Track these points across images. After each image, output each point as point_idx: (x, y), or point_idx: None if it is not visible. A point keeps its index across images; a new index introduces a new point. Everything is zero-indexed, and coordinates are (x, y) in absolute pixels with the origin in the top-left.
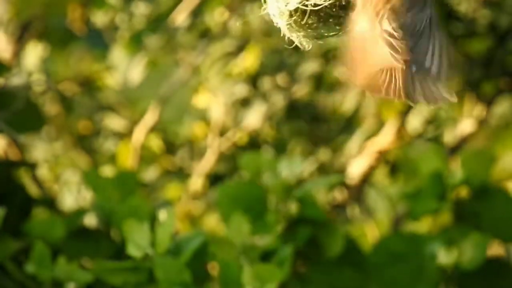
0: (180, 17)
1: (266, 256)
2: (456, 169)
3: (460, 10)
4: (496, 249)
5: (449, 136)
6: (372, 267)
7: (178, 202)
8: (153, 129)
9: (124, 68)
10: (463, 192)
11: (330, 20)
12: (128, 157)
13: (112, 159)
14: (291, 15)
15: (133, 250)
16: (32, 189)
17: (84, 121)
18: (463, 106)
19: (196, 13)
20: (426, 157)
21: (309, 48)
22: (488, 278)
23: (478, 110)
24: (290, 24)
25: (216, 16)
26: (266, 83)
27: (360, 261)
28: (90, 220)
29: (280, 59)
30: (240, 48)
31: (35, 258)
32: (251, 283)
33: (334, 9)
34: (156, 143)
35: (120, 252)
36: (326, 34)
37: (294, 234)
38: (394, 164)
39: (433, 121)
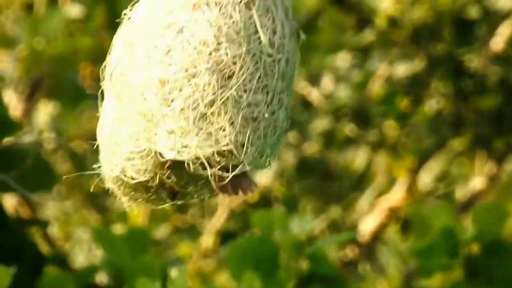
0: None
1: None
2: (468, 226)
3: (471, 67)
4: None
5: (460, 193)
6: None
7: (189, 259)
8: None
9: None
10: (475, 248)
11: (156, 190)
12: (139, 215)
13: (123, 217)
14: (115, 180)
15: None
16: (44, 247)
17: (95, 180)
18: (474, 162)
19: None
20: (437, 214)
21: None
22: None
23: (489, 166)
24: (117, 187)
25: None
26: None
27: None
28: (102, 278)
29: (291, 116)
30: None
31: None
32: None
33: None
34: None
35: None
36: (154, 202)
37: None
38: (405, 221)
39: (444, 178)
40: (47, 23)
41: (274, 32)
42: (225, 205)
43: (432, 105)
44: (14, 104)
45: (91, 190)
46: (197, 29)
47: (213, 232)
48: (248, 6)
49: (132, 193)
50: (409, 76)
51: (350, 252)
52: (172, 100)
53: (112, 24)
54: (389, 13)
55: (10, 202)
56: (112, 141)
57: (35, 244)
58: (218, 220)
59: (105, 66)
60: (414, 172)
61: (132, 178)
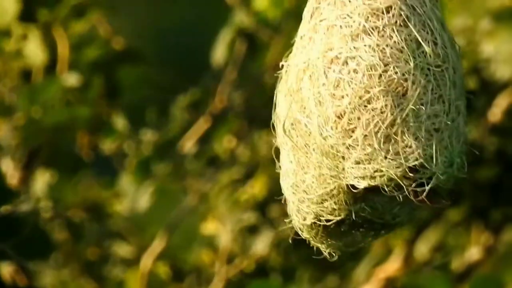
0: (188, 144)
1: None
2: None
3: (467, 137)
4: None
5: (457, 263)
6: None
7: None
8: (161, 256)
9: (132, 195)
10: None
11: (352, 228)
12: (136, 284)
13: (120, 286)
14: (310, 228)
15: None
16: None
17: (92, 248)
18: (471, 233)
19: (204, 140)
20: (434, 284)
21: (335, 258)
22: None
23: (486, 237)
24: (312, 237)
25: (224, 144)
26: (274, 210)
27: None
28: None
29: None
30: (248, 175)
31: None
32: None
33: (358, 219)
34: (164, 270)
35: None
36: (353, 242)
37: None
38: None
39: (441, 249)
40: (44, 92)
41: (435, 43)
42: (221, 274)
43: None
44: (11, 173)
45: (88, 258)
46: (362, 56)
47: None
48: (404, 25)
49: (328, 239)
50: None
51: None
52: (352, 130)
53: (110, 93)
54: None
55: (7, 270)
56: (299, 191)
57: None
58: None
59: (275, 122)
60: (411, 242)
61: (327, 221)
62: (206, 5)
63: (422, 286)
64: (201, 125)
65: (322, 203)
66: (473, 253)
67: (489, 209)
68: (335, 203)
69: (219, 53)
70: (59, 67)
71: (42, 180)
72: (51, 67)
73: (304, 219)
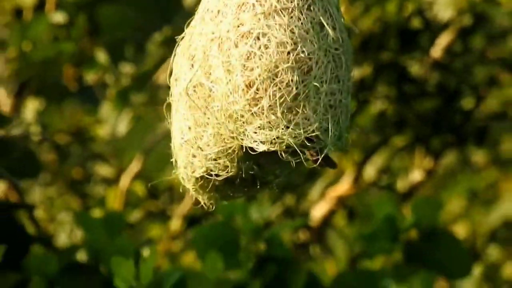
0: (162, 76)
1: None
2: (407, 214)
3: (412, 72)
4: (441, 285)
5: (401, 184)
6: None
7: (159, 240)
8: (138, 176)
9: (113, 121)
10: (413, 234)
11: (236, 183)
12: (115, 201)
13: (102, 202)
14: (197, 180)
15: (120, 284)
16: (30, 228)
17: (76, 168)
18: (414, 158)
19: None
20: (380, 203)
21: (213, 207)
22: None
23: (427, 161)
24: (196, 188)
25: None
26: None
27: None
28: (82, 256)
29: None
30: None
31: None
32: None
33: (239, 175)
34: (140, 189)
35: (108, 285)
36: (231, 195)
37: (262, 270)
38: (351, 208)
39: (387, 171)
40: (34, 28)
41: (334, 28)
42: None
43: (377, 106)
44: (4, 101)
45: (73, 177)
46: (273, 34)
47: (181, 217)
48: (309, 8)
49: (208, 191)
50: (357, 80)
51: (302, 236)
52: (259, 100)
53: (92, 30)
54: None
55: (0, 187)
56: (193, 147)
57: (22, 225)
58: (185, 206)
59: (171, 82)
60: (360, 165)
61: (217, 176)
62: None
63: (370, 205)
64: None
65: (215, 159)
66: (416, 175)
67: (430, 137)
68: (229, 161)
69: None
70: (47, 6)
71: (32, 108)
72: (39, 6)
73: (193, 171)
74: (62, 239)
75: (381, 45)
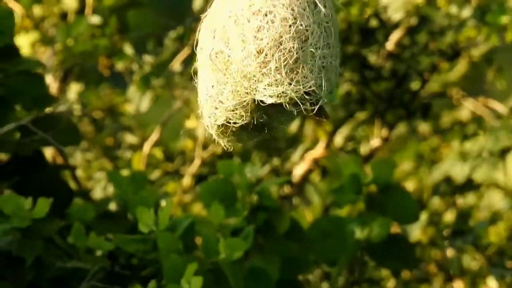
0: (176, 65)
1: (235, 232)
2: (368, 172)
3: (371, 61)
4: (395, 229)
5: (363, 149)
6: (309, 240)
7: (174, 194)
8: (157, 143)
9: (137, 100)
10: (373, 188)
11: (250, 129)
12: (139, 163)
13: (129, 164)
14: (218, 127)
15: (143, 228)
16: (72, 184)
17: (109, 137)
18: (373, 128)
19: (187, 62)
20: (347, 164)
21: (232, 149)
22: (390, 248)
23: (384, 131)
24: (218, 134)
25: None
26: None
27: (301, 236)
28: (113, 206)
29: None
30: None
31: (74, 233)
32: (225, 252)
33: (252, 123)
34: (159, 153)
35: (133, 229)
36: (246, 139)
37: (255, 217)
38: (324, 168)
39: (352, 139)
40: (76, 28)
41: (325, 6)
42: (199, 156)
43: (344, 88)
44: (53, 85)
45: (106, 144)
46: (278, 11)
47: (191, 175)
48: None
49: (229, 136)
50: None
51: (286, 190)
52: (267, 63)
53: (122, 29)
54: None
55: (49, 153)
56: (215, 100)
57: (66, 182)
58: (194, 167)
59: (198, 51)
60: (331, 134)
61: (235, 123)
62: None
63: (339, 165)
64: (185, 51)
65: (233, 110)
66: (375, 142)
67: (386, 112)
68: (244, 111)
69: (198, 1)
70: (86, 10)
71: (74, 90)
72: (81, 10)
73: (216, 120)
74: (98, 193)
75: (346, 40)
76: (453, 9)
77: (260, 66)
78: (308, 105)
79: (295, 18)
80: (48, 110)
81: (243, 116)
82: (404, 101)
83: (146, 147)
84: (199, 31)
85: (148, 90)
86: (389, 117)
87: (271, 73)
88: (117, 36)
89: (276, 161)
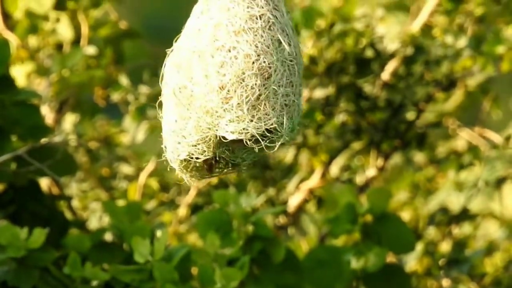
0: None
1: (231, 262)
2: (364, 202)
3: (366, 91)
4: (391, 258)
5: (359, 179)
6: (305, 270)
7: (169, 224)
8: (153, 173)
9: (133, 131)
10: (368, 218)
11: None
12: (135, 193)
13: (124, 194)
14: (181, 162)
15: (138, 257)
16: (68, 215)
17: (104, 168)
18: (369, 158)
19: None
20: (343, 194)
21: (195, 184)
22: (385, 278)
23: (379, 161)
24: (181, 168)
25: None
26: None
27: (297, 266)
28: (108, 237)
29: None
30: None
31: (70, 263)
32: (220, 281)
33: (216, 158)
34: (154, 184)
35: (129, 259)
36: (208, 175)
37: (250, 247)
38: (320, 198)
39: (348, 169)
40: (71, 58)
41: (290, 44)
42: (195, 186)
43: (339, 118)
44: (48, 115)
45: (102, 175)
46: (241, 47)
47: (186, 205)
48: (270, 28)
49: (191, 170)
50: (323, 98)
51: (282, 220)
52: (229, 99)
53: (117, 60)
54: (310, 54)
55: (45, 183)
56: (178, 135)
57: (62, 213)
58: (190, 197)
59: (162, 85)
60: (327, 164)
61: (197, 159)
62: None
63: (334, 195)
64: None
65: (195, 145)
66: (370, 171)
67: (381, 141)
68: (206, 146)
69: None
70: (82, 41)
71: (69, 121)
72: (76, 41)
73: (179, 155)
74: (93, 223)
75: (342, 70)
76: (449, 39)
77: (222, 102)
78: (268, 142)
79: (258, 55)
80: (44, 140)
81: (205, 151)
82: (400, 131)
83: (142, 177)
84: (164, 65)
85: (143, 121)
86: (385, 147)
87: (232, 109)
88: (113, 67)
89: (271, 191)
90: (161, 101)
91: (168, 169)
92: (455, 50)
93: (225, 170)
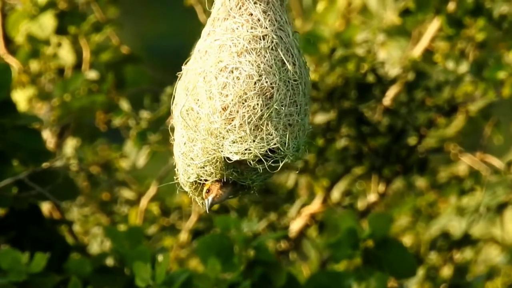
0: (172, 120)
1: (232, 287)
2: (365, 227)
3: (368, 116)
4: (392, 283)
5: (360, 204)
6: None
7: (171, 249)
8: (154, 198)
9: (134, 156)
10: (370, 243)
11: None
12: (136, 218)
13: (125, 219)
14: (192, 185)
15: (140, 282)
16: (69, 239)
17: (105, 192)
18: (370, 183)
19: None
20: (344, 219)
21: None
22: None
23: (380, 186)
24: (192, 191)
25: None
26: None
27: None
28: (110, 261)
29: None
30: None
31: None
32: None
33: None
34: (155, 208)
35: (130, 283)
36: (218, 200)
37: (252, 272)
38: (321, 223)
39: (349, 194)
40: (73, 83)
41: (294, 64)
42: (196, 211)
43: (341, 143)
44: (50, 140)
45: (103, 199)
46: (244, 68)
47: (187, 230)
48: (274, 48)
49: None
50: (325, 123)
51: (283, 245)
52: (232, 119)
53: (118, 85)
54: (311, 79)
55: (46, 207)
56: (188, 157)
57: (63, 237)
58: (191, 222)
59: (173, 108)
60: (328, 189)
61: (206, 180)
62: (184, 22)
63: (335, 220)
64: None
65: (203, 167)
66: (371, 197)
67: (383, 167)
68: (214, 168)
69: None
70: (83, 66)
71: (71, 145)
72: (77, 66)
73: (189, 177)
74: (94, 247)
75: (343, 95)
76: (450, 65)
77: (225, 123)
78: (272, 162)
79: (260, 75)
80: (45, 165)
81: (212, 173)
82: (401, 156)
83: (143, 202)
84: (175, 89)
85: (144, 146)
86: (386, 172)
87: (235, 130)
88: (114, 92)
89: (273, 216)
90: (172, 125)
91: (177, 192)
92: (457, 75)
93: (236, 192)
